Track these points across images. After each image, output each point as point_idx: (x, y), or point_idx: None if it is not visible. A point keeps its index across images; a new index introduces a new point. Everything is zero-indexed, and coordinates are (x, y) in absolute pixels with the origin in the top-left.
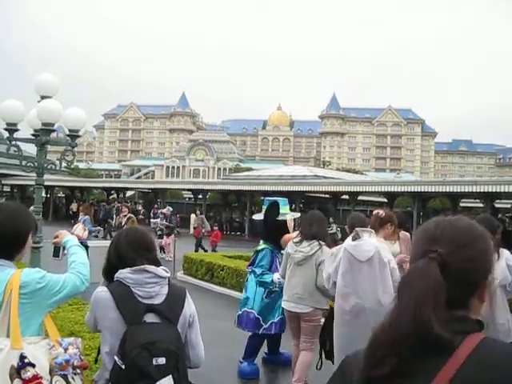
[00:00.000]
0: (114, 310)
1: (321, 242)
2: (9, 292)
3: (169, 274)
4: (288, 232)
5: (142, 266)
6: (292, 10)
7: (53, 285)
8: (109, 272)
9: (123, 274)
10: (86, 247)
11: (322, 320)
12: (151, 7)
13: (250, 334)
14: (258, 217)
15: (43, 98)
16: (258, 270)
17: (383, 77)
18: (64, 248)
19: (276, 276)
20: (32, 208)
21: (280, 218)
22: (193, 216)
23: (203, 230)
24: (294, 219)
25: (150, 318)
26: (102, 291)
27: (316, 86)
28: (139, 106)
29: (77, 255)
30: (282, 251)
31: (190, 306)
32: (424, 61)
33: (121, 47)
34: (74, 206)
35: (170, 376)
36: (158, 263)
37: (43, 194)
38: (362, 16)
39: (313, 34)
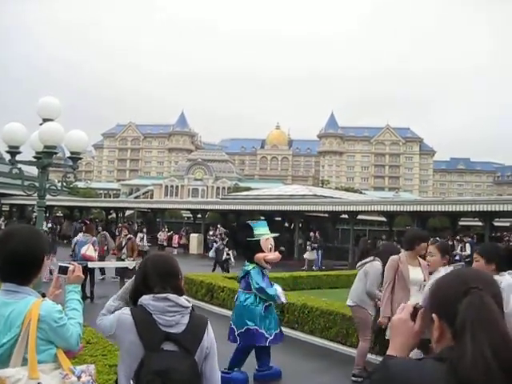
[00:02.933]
0: (135, 334)
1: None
2: (27, 322)
3: (190, 304)
4: (262, 251)
5: (164, 295)
6: (290, 29)
7: (66, 330)
8: (135, 295)
9: (146, 300)
10: (89, 269)
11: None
12: (147, 27)
13: (236, 345)
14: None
15: (45, 120)
16: (263, 285)
17: (381, 96)
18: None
19: (279, 288)
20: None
21: (256, 238)
22: (193, 236)
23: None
24: (275, 239)
25: (169, 346)
26: (126, 314)
27: (314, 105)
28: (138, 126)
29: (76, 313)
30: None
31: (208, 337)
32: (421, 79)
33: (119, 67)
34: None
35: None
36: (181, 292)
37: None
38: (359, 36)
39: (311, 53)
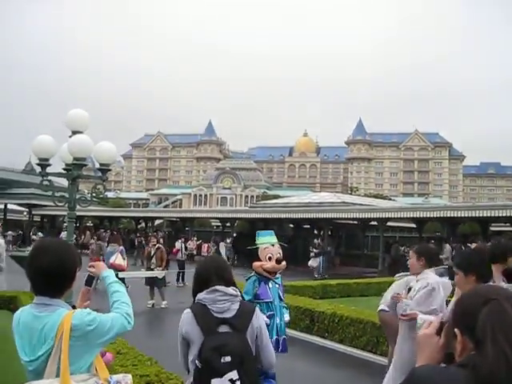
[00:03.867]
0: (196, 325)
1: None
2: (60, 333)
3: (238, 293)
4: (259, 260)
5: (214, 287)
6: (314, 35)
7: (102, 326)
8: (196, 293)
9: (201, 295)
10: (123, 280)
11: None
12: (176, 38)
13: None
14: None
15: (74, 132)
16: (246, 297)
17: (409, 100)
18: (98, 278)
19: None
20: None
21: (258, 246)
22: (222, 244)
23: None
24: (283, 248)
25: (223, 328)
26: (187, 312)
27: (342, 111)
28: (166, 136)
29: (119, 294)
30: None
31: (257, 320)
32: (449, 83)
33: (146, 78)
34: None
35: (236, 371)
36: (232, 284)
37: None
38: (385, 42)
39: (336, 60)
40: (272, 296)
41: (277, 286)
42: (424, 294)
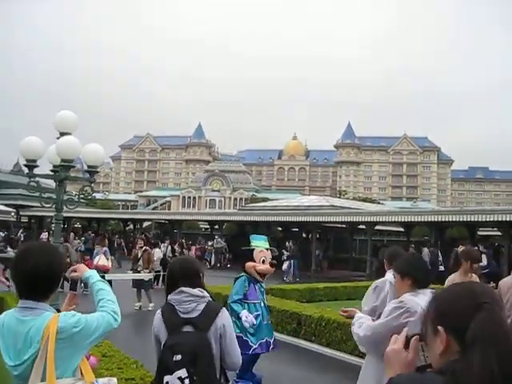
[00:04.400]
0: (163, 324)
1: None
2: (46, 337)
3: (204, 294)
4: (253, 261)
5: (180, 289)
6: (304, 37)
7: (88, 327)
8: (167, 293)
9: (170, 296)
10: (107, 281)
11: None
12: (162, 38)
13: None
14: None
15: (62, 134)
16: (235, 297)
17: (398, 104)
18: (81, 281)
19: (244, 315)
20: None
21: (251, 247)
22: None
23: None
24: (272, 252)
25: (187, 328)
26: (158, 313)
27: (331, 115)
28: (155, 137)
29: (103, 292)
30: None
31: (222, 319)
32: (438, 88)
33: (136, 78)
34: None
35: (185, 369)
36: (198, 286)
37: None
38: (375, 44)
39: (326, 63)
40: (259, 297)
41: (262, 289)
42: (368, 291)
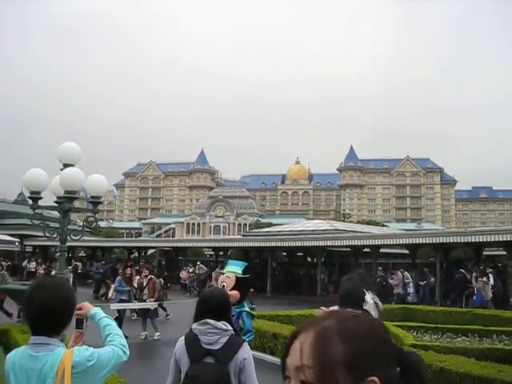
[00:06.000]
0: (186, 353)
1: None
2: (61, 372)
3: (228, 327)
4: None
5: (205, 320)
6: (303, 59)
7: (101, 360)
8: (195, 320)
9: (194, 325)
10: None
11: None
12: (164, 62)
13: None
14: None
15: (66, 165)
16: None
17: (399, 126)
18: (87, 319)
19: None
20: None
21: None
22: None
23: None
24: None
25: (208, 359)
26: (181, 339)
27: (333, 138)
28: (158, 164)
29: (110, 327)
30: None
31: (243, 354)
32: (439, 108)
33: (139, 108)
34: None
35: None
36: (223, 320)
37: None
38: (375, 67)
39: (326, 86)
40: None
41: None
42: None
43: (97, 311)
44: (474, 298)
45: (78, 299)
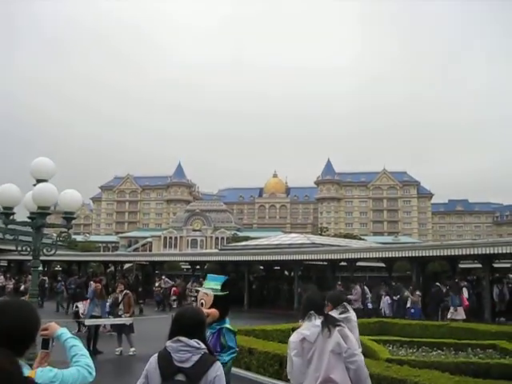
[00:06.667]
0: (157, 369)
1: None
2: None
3: (201, 346)
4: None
5: (177, 338)
6: (282, 74)
7: (65, 381)
8: (170, 338)
9: (168, 342)
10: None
11: None
12: (141, 75)
13: None
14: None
15: (39, 181)
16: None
17: (376, 140)
18: (53, 340)
19: None
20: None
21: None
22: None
23: None
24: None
25: (180, 377)
26: (154, 356)
27: (310, 152)
28: (136, 178)
29: (76, 347)
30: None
31: (215, 372)
32: (416, 123)
33: (116, 122)
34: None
35: None
36: (196, 338)
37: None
38: (354, 82)
39: (305, 99)
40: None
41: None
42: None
43: (63, 331)
44: (412, 311)
45: (46, 316)
